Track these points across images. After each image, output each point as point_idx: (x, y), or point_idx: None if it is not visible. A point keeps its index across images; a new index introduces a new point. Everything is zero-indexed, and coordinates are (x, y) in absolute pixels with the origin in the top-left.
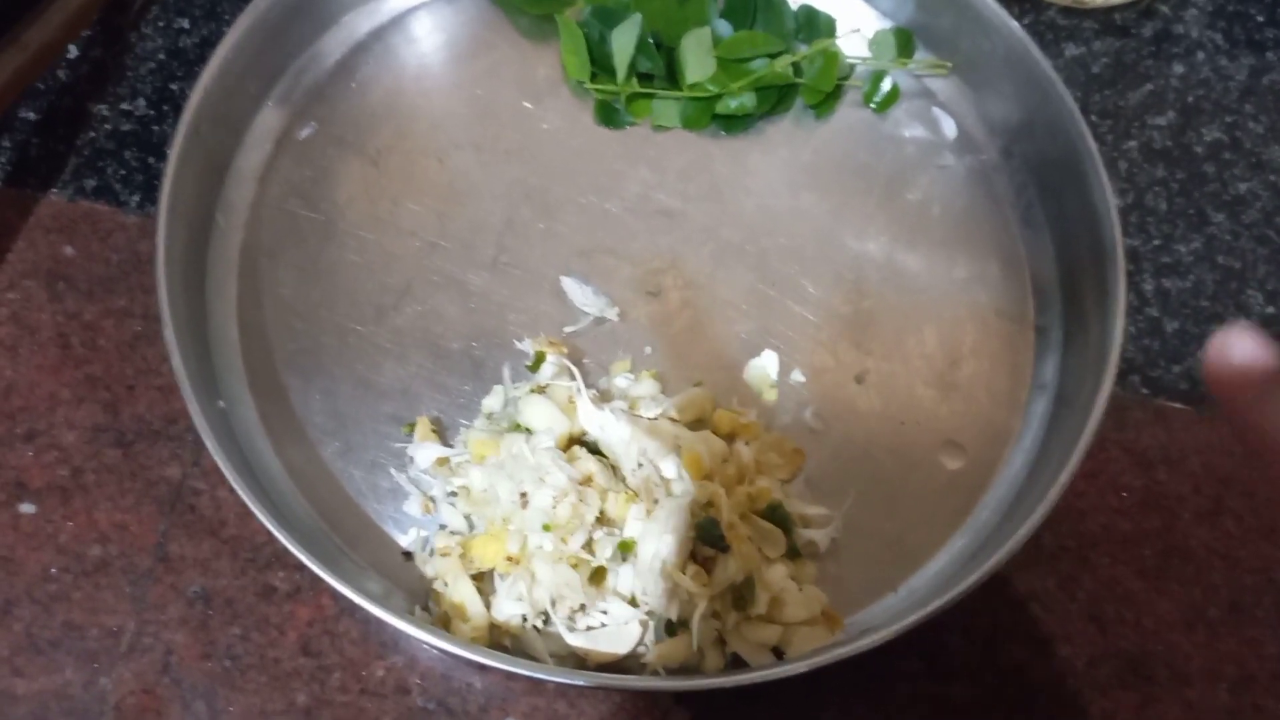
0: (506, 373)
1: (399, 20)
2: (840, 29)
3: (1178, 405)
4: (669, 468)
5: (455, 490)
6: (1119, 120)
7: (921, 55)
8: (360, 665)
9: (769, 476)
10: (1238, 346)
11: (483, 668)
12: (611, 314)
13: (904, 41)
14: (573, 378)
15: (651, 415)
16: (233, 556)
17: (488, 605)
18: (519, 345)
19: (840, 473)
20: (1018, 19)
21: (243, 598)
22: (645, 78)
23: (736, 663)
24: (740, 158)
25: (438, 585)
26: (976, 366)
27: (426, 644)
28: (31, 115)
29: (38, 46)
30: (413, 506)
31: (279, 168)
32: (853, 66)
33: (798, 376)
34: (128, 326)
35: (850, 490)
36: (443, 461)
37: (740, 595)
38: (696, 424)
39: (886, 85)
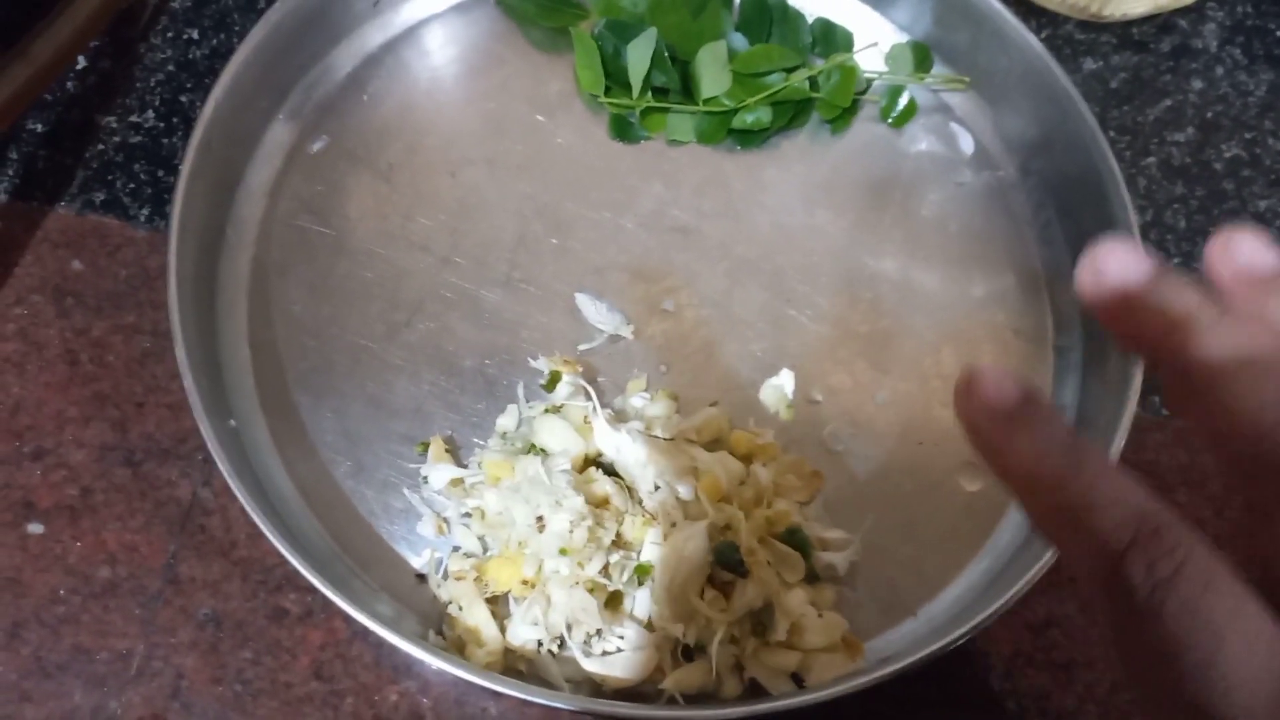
0: (521, 391)
1: (411, 33)
2: (857, 43)
3: None
4: (686, 490)
5: (469, 512)
6: (1137, 136)
7: (939, 70)
8: (373, 690)
9: (787, 499)
10: (986, 378)
11: (497, 693)
12: (626, 332)
13: (921, 56)
14: (588, 398)
15: (668, 436)
16: (243, 578)
17: (502, 629)
18: (533, 363)
19: (858, 494)
20: (1035, 33)
21: (254, 620)
22: (660, 92)
23: (755, 689)
24: (756, 173)
25: (452, 609)
26: None
27: (440, 669)
28: (39, 128)
29: (46, 59)
30: (426, 528)
31: (290, 182)
32: (869, 81)
33: (814, 396)
34: (137, 343)
35: (868, 512)
36: (457, 482)
37: (759, 621)
38: (713, 445)
39: (903, 100)
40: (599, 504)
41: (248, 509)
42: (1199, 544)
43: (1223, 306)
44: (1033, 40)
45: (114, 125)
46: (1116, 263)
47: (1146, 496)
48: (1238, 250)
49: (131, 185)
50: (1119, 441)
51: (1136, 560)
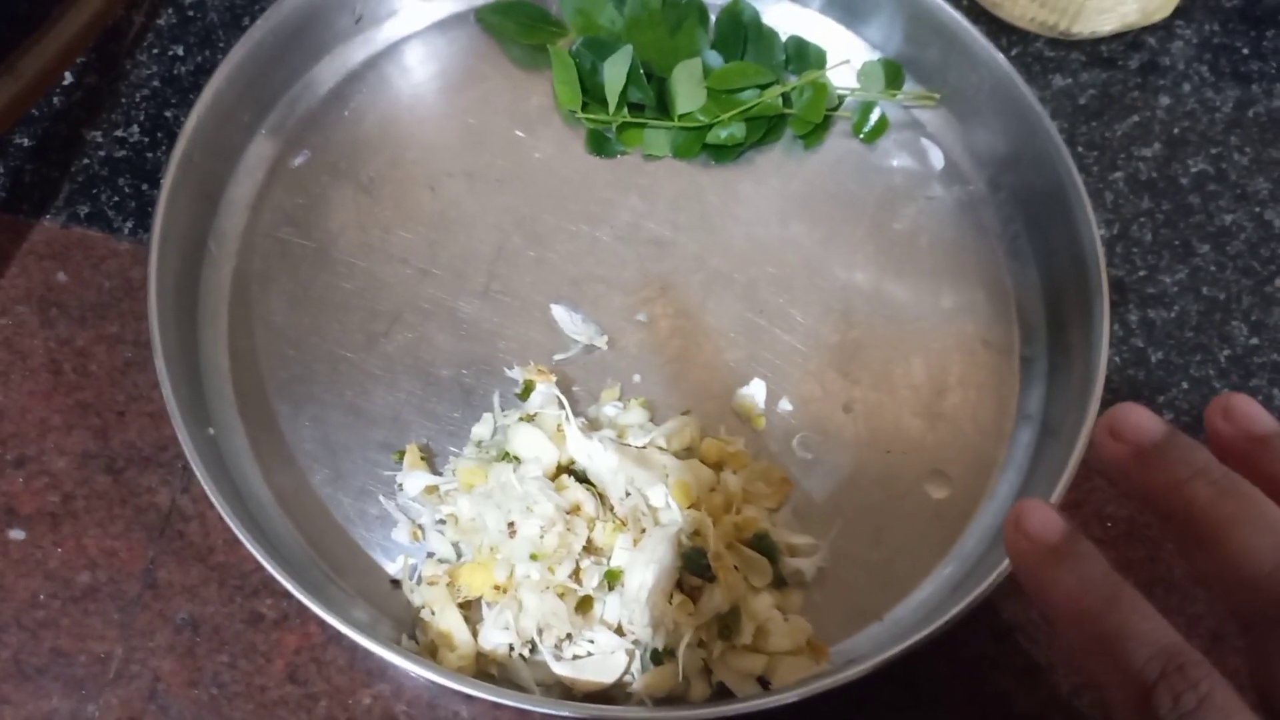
0: (496, 400)
1: (392, 49)
2: (829, 60)
3: None
4: (657, 497)
5: (443, 518)
6: (1105, 151)
7: (910, 86)
8: (347, 694)
9: (756, 505)
10: (1034, 515)
11: (469, 696)
12: (601, 342)
13: (892, 73)
14: (562, 406)
15: (640, 444)
16: (221, 584)
17: (475, 634)
18: (509, 373)
19: (827, 502)
20: (1005, 50)
21: (230, 625)
22: (636, 107)
23: (722, 692)
24: (730, 187)
25: (425, 614)
26: (963, 396)
27: (413, 673)
28: (25, 141)
29: (33, 74)
30: (401, 534)
31: (271, 196)
32: (842, 97)
33: (785, 405)
34: (119, 353)
35: (836, 519)
36: (431, 489)
37: (726, 625)
38: (684, 452)
39: (875, 116)
40: (570, 510)
41: (225, 516)
42: (1220, 681)
43: (1225, 467)
44: (1001, 58)
45: (99, 139)
46: (1131, 425)
47: (1174, 635)
48: (1235, 412)
49: (116, 198)
50: (1082, 449)
51: (1164, 693)
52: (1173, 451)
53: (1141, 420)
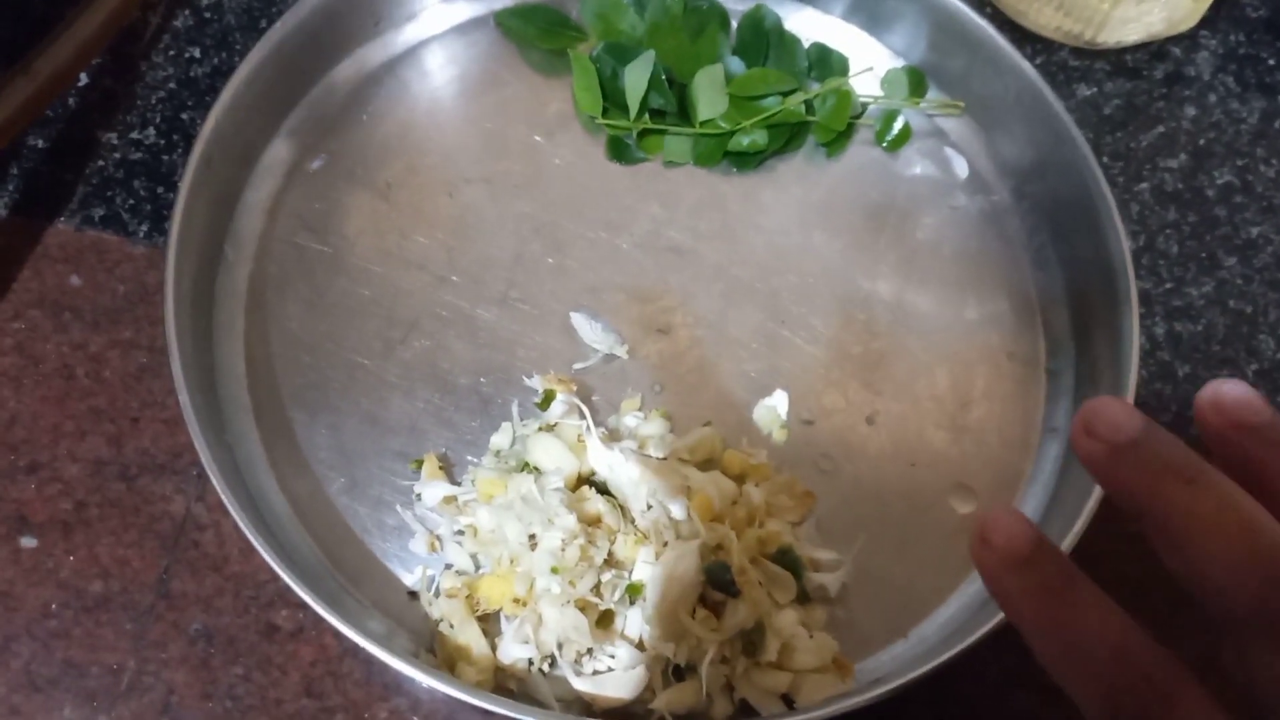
0: (515, 410)
1: (411, 53)
2: (853, 68)
3: None
4: (678, 509)
5: (462, 529)
6: (1130, 162)
7: (934, 95)
8: (363, 707)
9: (779, 519)
10: (999, 531)
11: (487, 712)
12: (621, 351)
13: (916, 81)
14: (582, 416)
15: (661, 455)
16: (235, 594)
17: (493, 647)
18: (528, 382)
19: (850, 515)
20: (1030, 59)
21: (245, 636)
22: (657, 114)
23: (746, 710)
24: (752, 195)
25: (443, 627)
26: (988, 409)
27: (431, 687)
28: (40, 143)
29: (48, 76)
30: (419, 544)
31: (288, 200)
32: (865, 105)
33: (808, 417)
34: (133, 358)
35: (860, 533)
36: (450, 500)
37: (750, 641)
38: (706, 464)
39: (898, 124)
40: (591, 522)
41: (240, 524)
42: (1191, 685)
43: (1204, 463)
44: (1026, 66)
45: (115, 142)
46: (1107, 421)
47: (1144, 640)
48: (1226, 401)
49: (131, 201)
50: None
51: (1130, 706)
52: (1148, 447)
53: (1118, 415)
